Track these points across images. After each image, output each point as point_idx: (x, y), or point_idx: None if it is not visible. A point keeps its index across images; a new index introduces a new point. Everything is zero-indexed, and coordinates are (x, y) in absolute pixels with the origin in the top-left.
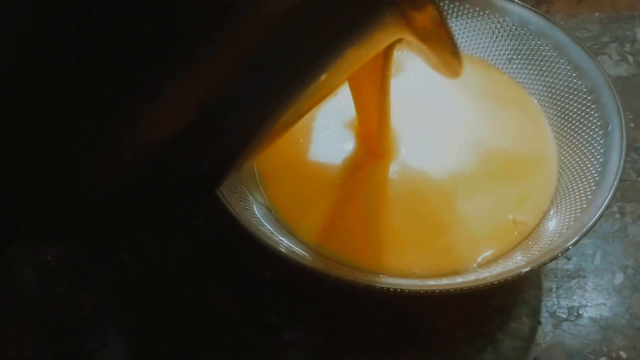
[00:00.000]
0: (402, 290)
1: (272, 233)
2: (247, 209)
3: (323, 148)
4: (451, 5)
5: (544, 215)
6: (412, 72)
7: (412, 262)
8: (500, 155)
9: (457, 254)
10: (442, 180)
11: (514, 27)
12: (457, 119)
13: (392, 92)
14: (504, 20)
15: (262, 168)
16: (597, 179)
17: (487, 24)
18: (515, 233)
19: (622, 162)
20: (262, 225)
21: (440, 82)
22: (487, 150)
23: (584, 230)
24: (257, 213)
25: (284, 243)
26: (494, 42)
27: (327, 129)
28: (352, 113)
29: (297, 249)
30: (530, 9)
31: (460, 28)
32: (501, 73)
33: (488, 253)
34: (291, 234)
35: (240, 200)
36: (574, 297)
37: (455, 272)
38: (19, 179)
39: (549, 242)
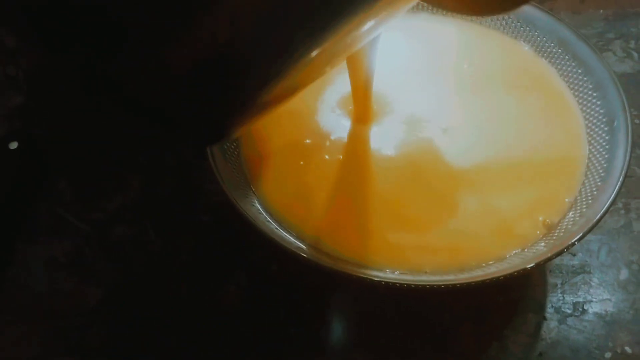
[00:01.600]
0: (408, 285)
1: (277, 229)
2: (253, 205)
3: (314, 131)
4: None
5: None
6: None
7: (422, 260)
8: (523, 146)
9: (470, 250)
10: (453, 161)
11: (519, 24)
12: (473, 89)
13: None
14: (509, 17)
15: (249, 159)
16: (602, 175)
17: (491, 21)
18: (538, 232)
19: (627, 158)
20: (268, 222)
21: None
22: (510, 135)
23: (589, 226)
24: (262, 209)
25: (290, 240)
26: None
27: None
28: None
29: (302, 245)
30: (535, 6)
31: (465, 24)
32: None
33: (513, 252)
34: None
35: (246, 197)
36: (579, 293)
37: (466, 269)
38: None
39: (554, 238)
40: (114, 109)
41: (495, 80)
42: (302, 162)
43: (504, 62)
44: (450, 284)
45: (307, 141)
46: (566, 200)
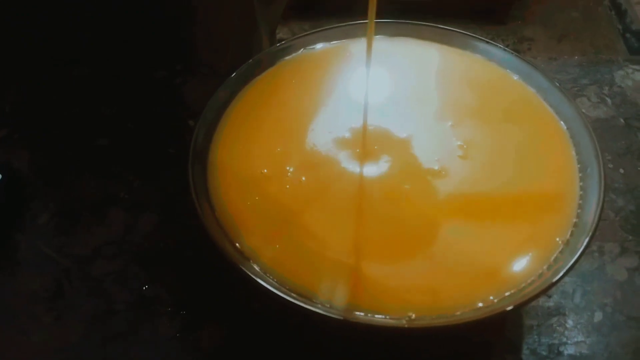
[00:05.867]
0: (385, 327)
1: (259, 269)
2: (234, 245)
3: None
4: (438, 45)
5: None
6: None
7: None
8: (516, 182)
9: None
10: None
11: (499, 69)
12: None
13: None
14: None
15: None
16: (575, 221)
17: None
18: (535, 276)
19: (600, 204)
20: (251, 263)
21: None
22: (503, 171)
23: (565, 270)
24: (243, 249)
25: (271, 280)
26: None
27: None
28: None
29: (279, 284)
30: (512, 53)
31: (447, 67)
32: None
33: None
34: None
35: (227, 236)
36: (555, 335)
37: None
38: None
39: (529, 281)
40: None
41: (486, 112)
42: (282, 202)
43: (495, 92)
44: (427, 327)
45: (290, 172)
46: (558, 239)
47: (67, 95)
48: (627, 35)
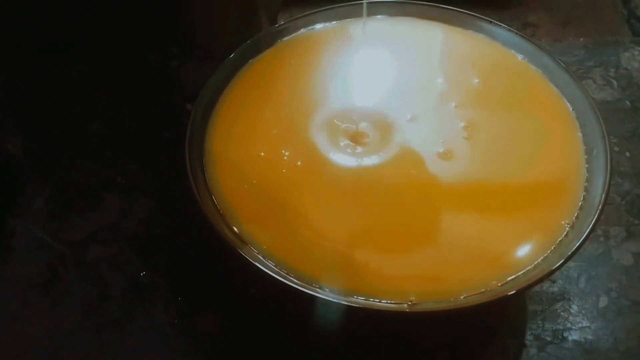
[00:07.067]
0: (386, 311)
1: (258, 253)
2: (231, 230)
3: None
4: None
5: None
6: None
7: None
8: (521, 168)
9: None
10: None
11: (503, 49)
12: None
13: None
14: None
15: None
16: (581, 203)
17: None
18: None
19: (606, 187)
20: (247, 246)
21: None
22: (507, 156)
23: (569, 254)
24: (241, 234)
25: (270, 265)
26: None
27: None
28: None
29: (278, 268)
30: (517, 33)
31: (450, 47)
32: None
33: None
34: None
35: (224, 220)
36: (559, 320)
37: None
38: None
39: (533, 266)
40: None
41: (491, 93)
42: (283, 187)
43: (499, 72)
44: (428, 310)
45: (288, 157)
46: (563, 222)
47: (61, 80)
48: (632, 20)
